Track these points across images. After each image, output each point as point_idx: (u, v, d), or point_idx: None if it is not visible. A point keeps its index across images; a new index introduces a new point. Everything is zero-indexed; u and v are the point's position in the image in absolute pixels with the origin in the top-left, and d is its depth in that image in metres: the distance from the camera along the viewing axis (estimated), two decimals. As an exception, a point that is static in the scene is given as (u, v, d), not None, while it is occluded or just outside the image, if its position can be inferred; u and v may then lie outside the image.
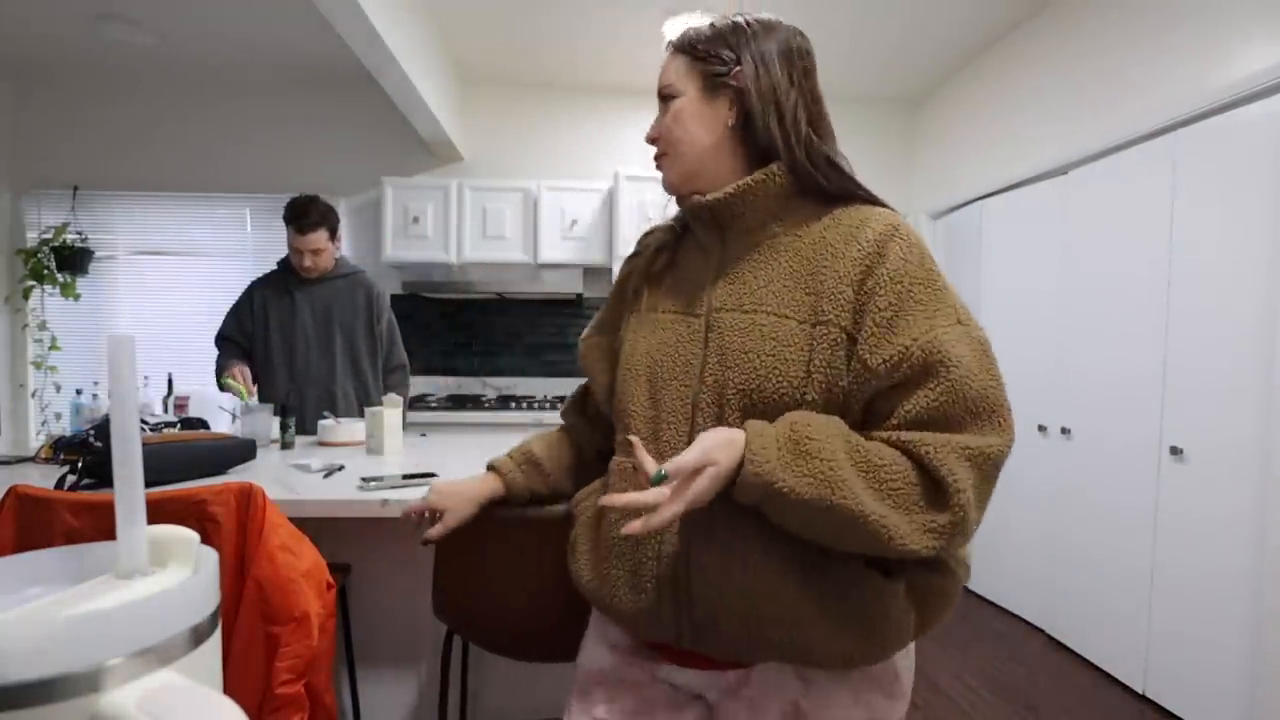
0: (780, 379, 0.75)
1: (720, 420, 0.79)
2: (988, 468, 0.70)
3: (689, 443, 0.79)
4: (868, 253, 0.76)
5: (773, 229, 0.83)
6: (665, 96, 0.87)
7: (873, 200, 0.83)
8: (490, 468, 1.07)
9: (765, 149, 0.82)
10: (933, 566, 0.78)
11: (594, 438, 1.07)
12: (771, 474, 0.68)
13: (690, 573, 0.77)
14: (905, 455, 0.71)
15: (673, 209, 0.94)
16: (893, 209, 0.83)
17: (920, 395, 0.71)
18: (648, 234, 0.99)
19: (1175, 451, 2.20)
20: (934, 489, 0.69)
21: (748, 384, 0.77)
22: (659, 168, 0.90)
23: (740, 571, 0.75)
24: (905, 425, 0.71)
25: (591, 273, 3.66)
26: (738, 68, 0.82)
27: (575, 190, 3.51)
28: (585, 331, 1.05)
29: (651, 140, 0.89)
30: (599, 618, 0.95)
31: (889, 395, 0.74)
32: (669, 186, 0.90)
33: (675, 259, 0.93)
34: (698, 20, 0.87)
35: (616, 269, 3.41)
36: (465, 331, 3.88)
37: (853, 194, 0.83)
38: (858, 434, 0.73)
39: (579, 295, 3.62)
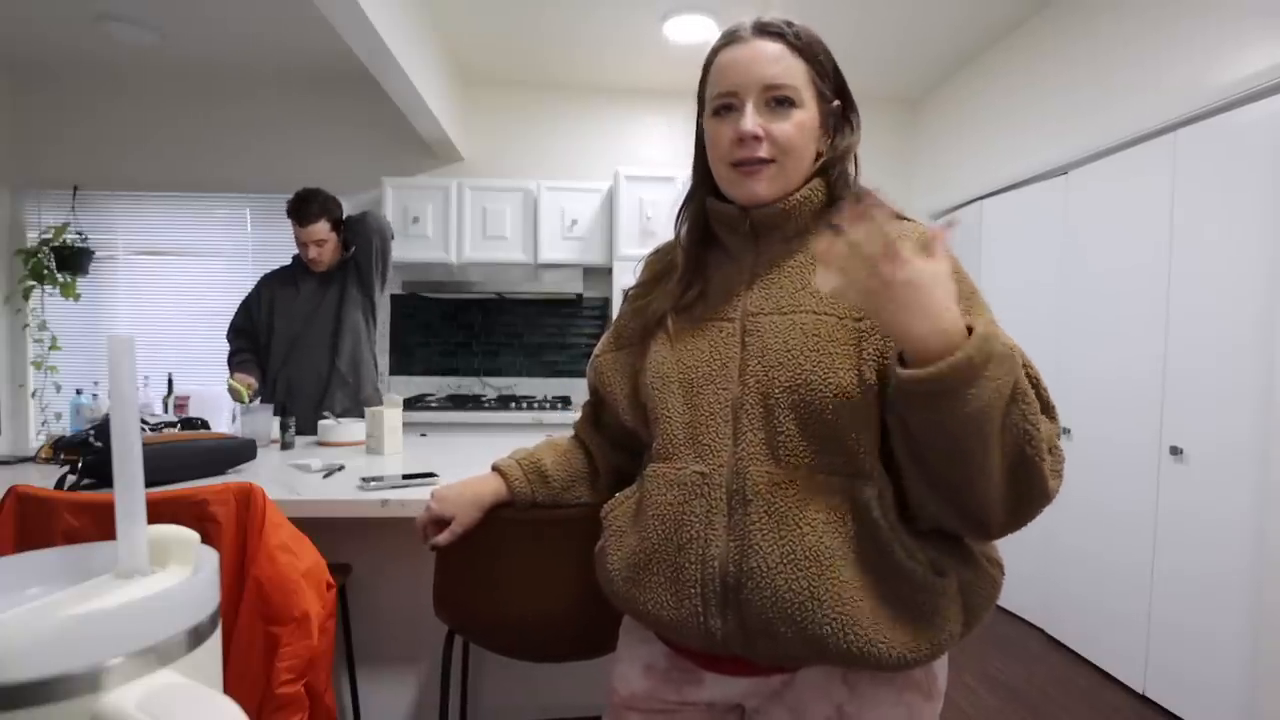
0: (828, 371, 0.75)
1: (769, 421, 0.78)
2: (1052, 447, 0.71)
3: (732, 444, 0.79)
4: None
5: (804, 239, 0.84)
6: (783, 98, 0.80)
7: (900, 215, 0.85)
8: (495, 470, 1.04)
9: (817, 171, 0.84)
10: (970, 565, 0.78)
11: (609, 452, 1.05)
12: (993, 331, 0.63)
13: (741, 577, 0.75)
14: None
15: (668, 216, 0.94)
16: (911, 219, 0.86)
17: None
18: (662, 256, 0.97)
19: (1175, 451, 2.20)
20: None
21: (794, 380, 0.76)
22: (753, 173, 0.81)
23: (796, 574, 0.73)
24: None
25: (591, 273, 3.66)
26: (837, 103, 0.85)
27: (575, 190, 3.51)
28: (600, 349, 1.02)
29: (756, 137, 0.79)
30: (631, 636, 0.92)
31: None
32: (754, 197, 0.82)
33: (702, 275, 0.90)
34: (773, 14, 0.84)
35: (617, 269, 3.42)
36: (465, 331, 3.88)
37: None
38: None
39: (579, 295, 3.62)
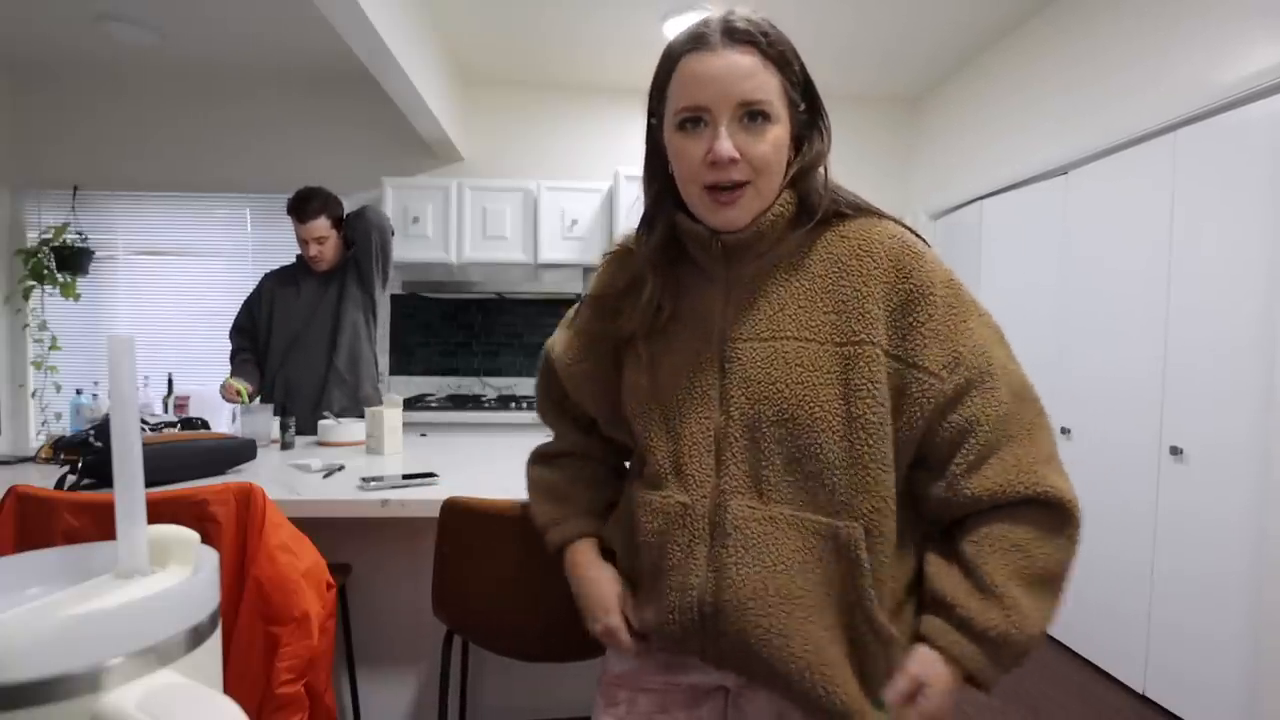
0: (814, 404, 0.75)
1: (754, 454, 0.77)
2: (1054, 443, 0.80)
3: (715, 475, 0.78)
4: (885, 268, 0.77)
5: (777, 251, 0.82)
6: (757, 114, 0.75)
7: (868, 210, 0.83)
8: (573, 544, 0.95)
9: (788, 182, 0.81)
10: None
11: (599, 448, 1.02)
12: (993, 679, 0.76)
13: (717, 608, 0.76)
14: (1016, 504, 0.76)
15: (634, 217, 0.89)
16: (889, 216, 0.83)
17: (983, 398, 0.76)
18: (626, 261, 0.90)
19: (1175, 451, 2.20)
20: (1040, 505, 0.76)
21: (781, 414, 0.76)
22: (729, 200, 0.76)
23: (765, 611, 0.74)
24: (987, 434, 0.75)
25: (591, 273, 3.65)
26: (805, 115, 0.79)
27: (575, 190, 3.51)
28: (568, 356, 0.96)
29: (733, 160, 0.74)
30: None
31: (953, 406, 0.76)
32: (730, 225, 0.78)
33: (673, 293, 0.86)
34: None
35: (616, 269, 3.42)
36: (465, 331, 3.88)
37: (852, 210, 0.82)
38: (974, 529, 0.77)
39: (579, 295, 3.61)
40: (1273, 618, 1.88)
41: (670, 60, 0.79)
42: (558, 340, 1.00)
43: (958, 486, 0.76)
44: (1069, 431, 2.69)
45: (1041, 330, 2.87)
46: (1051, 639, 2.78)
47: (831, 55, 3.38)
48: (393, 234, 2.56)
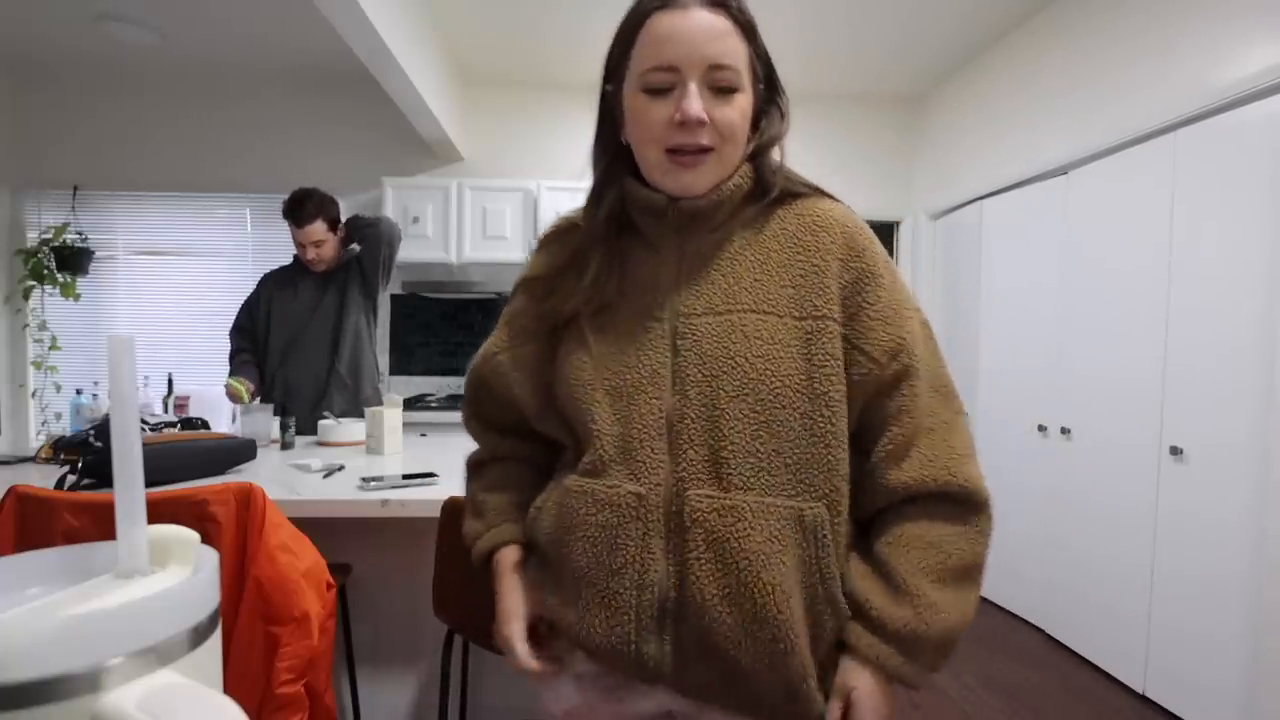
0: (775, 377, 0.71)
1: (712, 436, 0.72)
2: (970, 441, 0.78)
3: (670, 462, 0.73)
4: (840, 244, 0.76)
5: (730, 226, 0.79)
6: (726, 80, 0.72)
7: (821, 192, 0.82)
8: (491, 553, 0.88)
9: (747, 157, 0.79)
10: None
11: (525, 448, 0.92)
12: (919, 677, 0.73)
13: (680, 604, 0.70)
14: (932, 498, 0.75)
15: (578, 195, 0.86)
16: (836, 197, 0.82)
17: (909, 388, 0.75)
18: (563, 240, 0.87)
19: (1175, 451, 2.20)
20: (955, 499, 0.75)
21: (742, 389, 0.71)
22: (691, 163, 0.74)
23: (732, 608, 0.69)
24: (909, 424, 0.75)
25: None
26: (765, 92, 0.78)
27: (575, 190, 3.49)
28: (494, 346, 0.89)
29: (701, 122, 0.71)
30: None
31: (887, 392, 0.75)
32: (690, 190, 0.76)
33: (618, 269, 0.82)
34: None
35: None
36: (465, 331, 3.88)
37: (807, 189, 0.81)
38: (897, 534, 0.75)
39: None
40: (1273, 618, 1.88)
41: (637, 17, 0.76)
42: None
43: (876, 474, 0.75)
44: (1069, 431, 2.70)
45: (1042, 330, 2.87)
46: (1051, 639, 2.78)
47: (833, 53, 3.38)
48: (400, 241, 2.57)
